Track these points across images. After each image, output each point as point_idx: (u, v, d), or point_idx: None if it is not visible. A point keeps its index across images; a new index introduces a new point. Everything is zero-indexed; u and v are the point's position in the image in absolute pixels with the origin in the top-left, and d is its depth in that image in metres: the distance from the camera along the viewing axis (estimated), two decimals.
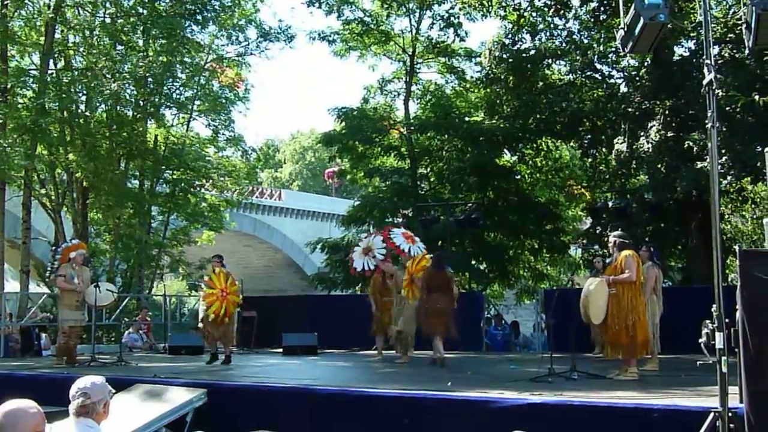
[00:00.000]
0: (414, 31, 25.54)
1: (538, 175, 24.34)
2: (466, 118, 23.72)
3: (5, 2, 19.48)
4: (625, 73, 21.16)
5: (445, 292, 11.26)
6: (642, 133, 18.39)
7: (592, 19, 21.09)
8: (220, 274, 12.40)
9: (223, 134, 24.54)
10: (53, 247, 13.10)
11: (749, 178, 17.55)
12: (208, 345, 12.56)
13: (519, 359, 13.13)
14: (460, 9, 23.78)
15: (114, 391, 4.30)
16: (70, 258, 12.45)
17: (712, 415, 5.15)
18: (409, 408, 7.06)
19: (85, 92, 20.84)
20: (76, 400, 3.95)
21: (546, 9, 21.48)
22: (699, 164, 16.33)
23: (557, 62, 22.34)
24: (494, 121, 22.22)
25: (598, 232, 20.38)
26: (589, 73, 21.46)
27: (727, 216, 21.90)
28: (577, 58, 20.93)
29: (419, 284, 11.66)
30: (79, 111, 21.01)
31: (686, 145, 16.92)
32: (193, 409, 8.01)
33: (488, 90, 22.81)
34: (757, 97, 14.35)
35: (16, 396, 2.91)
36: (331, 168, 56.28)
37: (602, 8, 20.48)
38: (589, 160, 22.15)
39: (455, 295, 11.52)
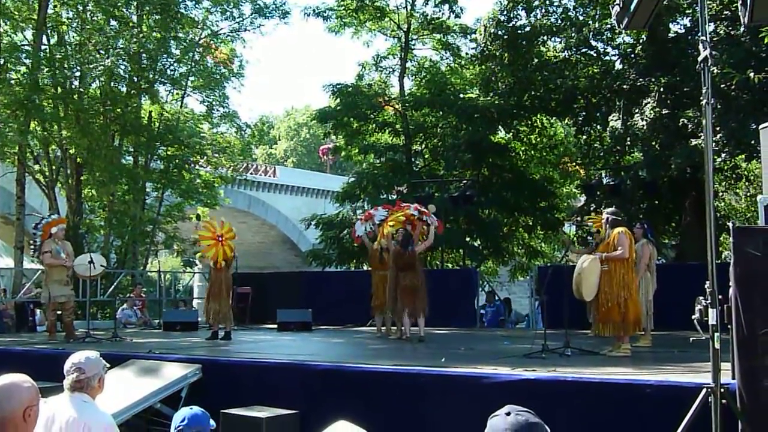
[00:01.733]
0: (409, 8, 25.67)
1: (532, 152, 24.44)
2: (461, 95, 23.68)
3: None
4: (620, 50, 21.06)
5: (413, 270, 11.51)
6: (636, 111, 18.41)
7: None
8: (213, 219, 12.45)
9: (217, 110, 24.62)
10: (34, 224, 12.96)
11: (743, 156, 17.51)
12: (210, 321, 12.41)
13: (512, 336, 13.11)
14: None
15: (108, 365, 4.29)
16: (51, 233, 12.32)
17: (704, 390, 5.15)
18: (404, 384, 7.07)
19: (78, 68, 20.79)
20: (70, 375, 3.93)
21: None
22: (693, 141, 16.37)
23: (552, 39, 22.27)
24: (489, 98, 22.19)
25: (592, 209, 20.42)
26: (584, 50, 21.55)
27: (721, 193, 21.85)
28: (573, 35, 20.88)
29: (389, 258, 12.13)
30: (73, 87, 20.96)
31: (681, 123, 16.93)
32: (188, 385, 8.01)
33: (483, 67, 22.71)
34: (752, 75, 14.26)
35: (11, 371, 2.87)
36: (326, 145, 56.21)
37: None
38: (584, 137, 22.11)
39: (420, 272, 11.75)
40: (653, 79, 17.98)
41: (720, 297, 5.25)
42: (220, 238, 12.11)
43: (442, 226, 13.81)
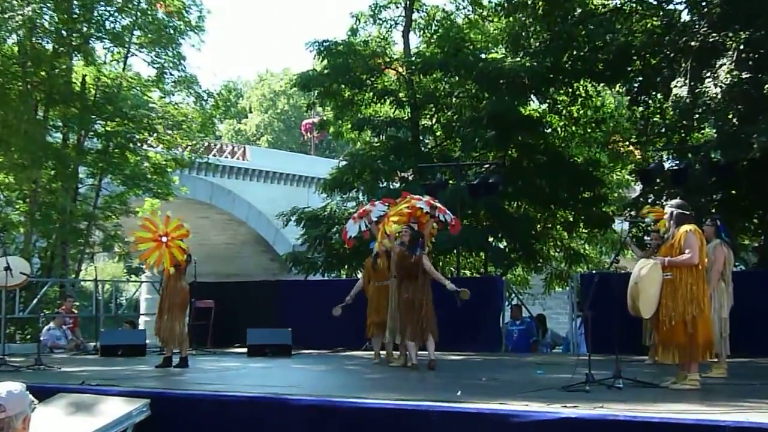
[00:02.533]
0: None
1: (573, 128, 24.39)
2: (483, 55, 23.55)
3: None
4: None
5: (415, 280, 11.43)
6: (708, 74, 18.27)
7: None
8: (155, 214, 12.36)
9: (170, 74, 24.57)
10: None
11: None
12: (162, 344, 12.58)
13: (547, 362, 13.14)
14: None
15: (36, 402, 4.20)
16: None
17: None
18: (409, 423, 7.06)
19: None
20: None
21: None
22: None
23: None
24: (518, 59, 21.88)
25: (650, 200, 20.26)
26: None
27: None
28: None
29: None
30: None
31: (765, 90, 16.83)
32: (133, 425, 7.97)
33: (511, 19, 22.74)
34: None
35: None
36: (310, 119, 56.26)
37: None
38: (640, 109, 22.06)
39: (427, 280, 11.66)
40: (730, 35, 17.75)
41: None
42: (164, 239, 12.06)
43: (459, 224, 13.82)
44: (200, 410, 8.32)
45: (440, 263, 23.60)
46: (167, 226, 12.40)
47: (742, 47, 17.92)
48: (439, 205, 13.25)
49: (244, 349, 15.49)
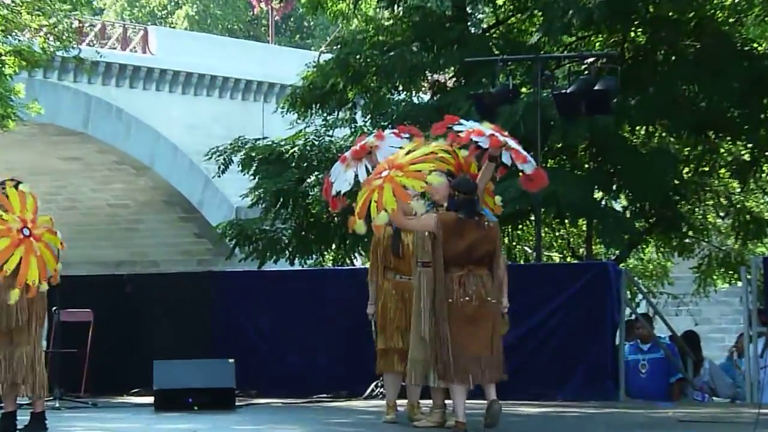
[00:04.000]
0: None
1: None
2: None
3: None
4: None
5: (485, 266, 11.82)
6: None
7: None
8: (12, 194, 12.42)
9: None
10: None
11: None
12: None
13: (703, 420, 13.35)
14: None
15: None
16: None
17: None
18: None
19: None
20: None
21: None
22: None
23: None
24: None
25: None
26: None
27: None
28: None
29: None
30: None
31: None
32: None
33: None
34: None
35: None
36: None
37: None
38: None
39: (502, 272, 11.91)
40: None
41: None
42: (26, 232, 12.39)
43: (544, 176, 13.63)
44: None
45: (505, 239, 23.66)
46: (24, 208, 12.63)
47: None
48: (512, 143, 12.91)
49: (149, 399, 15.80)
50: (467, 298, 11.34)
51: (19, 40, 24.55)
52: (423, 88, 23.08)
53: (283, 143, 23.76)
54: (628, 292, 17.61)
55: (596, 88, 18.55)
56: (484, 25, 24.35)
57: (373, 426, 12.63)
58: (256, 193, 23.52)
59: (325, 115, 23.91)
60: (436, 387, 12.22)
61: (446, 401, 12.25)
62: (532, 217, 20.54)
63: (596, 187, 21.71)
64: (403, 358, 12.97)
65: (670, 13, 22.41)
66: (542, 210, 19.66)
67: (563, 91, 19.12)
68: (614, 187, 21.99)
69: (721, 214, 24.24)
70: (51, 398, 13.69)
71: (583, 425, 12.23)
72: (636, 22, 22.45)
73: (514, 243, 23.10)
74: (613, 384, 15.42)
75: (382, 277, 13.33)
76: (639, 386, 16.59)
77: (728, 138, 22.79)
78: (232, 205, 36.15)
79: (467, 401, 11.72)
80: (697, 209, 23.63)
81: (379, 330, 13.29)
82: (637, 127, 22.52)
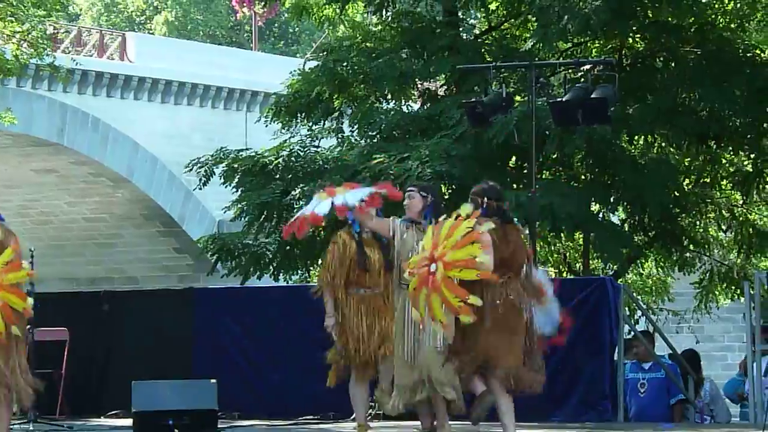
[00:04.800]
0: None
1: None
2: None
3: None
4: None
5: (514, 272, 11.37)
6: None
7: None
8: None
9: None
10: None
11: None
12: None
13: None
14: None
15: None
16: None
17: None
18: None
19: None
20: None
21: None
22: None
23: None
24: None
25: None
26: None
27: None
28: None
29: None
30: None
31: None
32: None
33: None
34: None
35: None
36: None
37: None
38: None
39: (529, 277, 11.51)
40: None
41: None
42: None
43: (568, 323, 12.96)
44: None
45: None
46: None
47: None
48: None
49: (128, 421, 15.59)
50: (499, 302, 10.82)
51: None
52: (413, 97, 23.10)
53: (266, 154, 23.62)
54: (627, 309, 17.44)
55: (593, 96, 18.43)
56: (477, 31, 24.38)
57: None
58: (239, 206, 23.40)
59: (310, 124, 23.92)
60: (423, 410, 11.55)
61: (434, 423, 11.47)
62: (527, 231, 20.09)
63: (593, 199, 21.73)
64: (366, 371, 13.44)
65: (670, 19, 22.62)
66: (537, 223, 19.24)
67: (559, 99, 19.00)
68: (612, 199, 21.93)
69: (723, 227, 24.21)
70: (25, 420, 13.22)
71: None
72: (634, 28, 22.43)
73: None
74: (610, 405, 15.12)
75: (344, 292, 13.44)
76: (639, 406, 16.44)
77: (730, 148, 23.03)
78: (214, 218, 36.07)
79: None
80: (698, 222, 23.67)
81: (340, 343, 13.58)
82: (636, 137, 22.76)
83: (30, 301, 12.10)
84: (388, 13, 23.74)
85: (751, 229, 24.02)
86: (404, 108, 22.92)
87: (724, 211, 24.18)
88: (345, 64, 23.17)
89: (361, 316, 13.49)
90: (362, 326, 13.48)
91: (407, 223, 12.21)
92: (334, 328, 13.50)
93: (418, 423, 12.28)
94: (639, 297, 21.78)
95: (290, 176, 22.51)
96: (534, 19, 22.50)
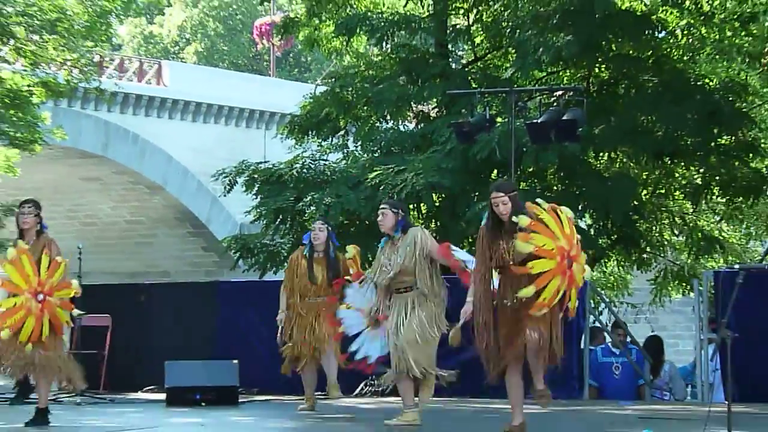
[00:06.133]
0: None
1: (703, 30, 23.92)
2: None
3: None
4: None
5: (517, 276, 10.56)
6: None
7: None
8: (21, 258, 12.14)
9: None
10: None
11: None
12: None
13: (661, 416, 13.35)
14: None
15: None
16: None
17: None
18: None
19: None
20: None
21: None
22: None
23: None
24: None
25: None
26: None
27: None
28: None
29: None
30: None
31: None
32: None
33: None
34: None
35: None
36: (267, 16, 55.97)
37: None
38: None
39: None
40: None
41: None
42: (40, 297, 11.85)
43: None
44: None
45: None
46: (32, 272, 12.20)
47: None
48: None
49: (161, 395, 15.76)
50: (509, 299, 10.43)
51: (45, 73, 24.41)
52: (408, 118, 23.35)
53: (282, 166, 23.81)
54: (592, 302, 17.44)
55: (564, 118, 18.70)
56: (464, 61, 24.68)
57: (361, 420, 12.53)
58: (258, 210, 23.59)
59: (320, 141, 24.45)
60: (406, 386, 12.16)
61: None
62: None
63: (564, 205, 21.25)
64: (312, 361, 14.47)
65: (631, 52, 23.04)
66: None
67: (534, 120, 19.21)
68: (580, 207, 21.82)
69: (676, 232, 24.46)
70: (73, 395, 13.38)
71: (555, 420, 12.12)
72: (600, 59, 22.71)
73: None
74: (578, 385, 15.38)
75: (299, 300, 14.59)
76: (613, 386, 16.65)
77: (683, 163, 23.43)
78: (236, 221, 36.13)
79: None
80: (654, 228, 24.12)
81: (287, 338, 14.58)
82: (601, 154, 23.18)
83: (75, 311, 12.39)
84: (388, 45, 24.08)
85: (699, 234, 24.41)
86: (401, 127, 23.45)
87: (676, 218, 24.72)
88: (350, 89, 23.68)
89: (309, 318, 14.33)
90: (307, 326, 14.31)
91: (386, 239, 12.22)
92: (281, 323, 14.60)
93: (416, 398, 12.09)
94: (602, 291, 21.88)
95: (302, 185, 22.84)
96: (513, 51, 22.91)
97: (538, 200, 10.00)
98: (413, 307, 11.94)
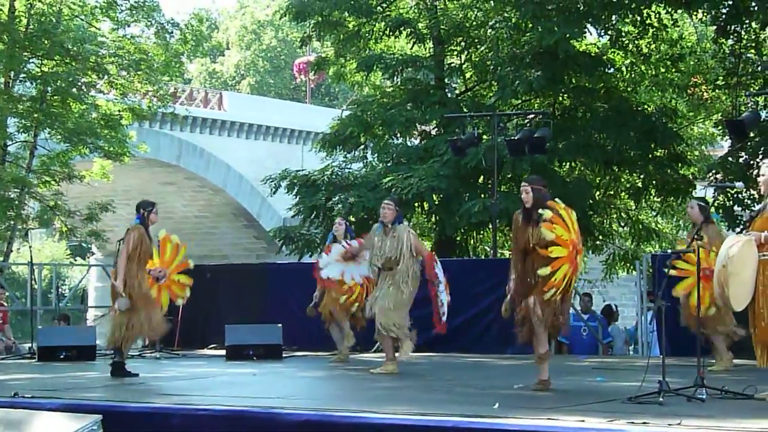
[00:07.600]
0: None
1: (643, 67, 24.47)
2: None
3: None
4: None
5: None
6: None
7: None
8: (166, 240, 12.56)
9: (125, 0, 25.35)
10: None
11: None
12: (114, 343, 12.31)
13: (610, 367, 13.18)
14: None
15: None
16: None
17: None
18: None
19: None
20: None
21: None
22: None
23: None
24: None
25: (742, 160, 20.26)
26: None
27: None
28: None
29: None
30: None
31: None
32: None
33: None
34: None
35: None
36: (304, 57, 55.86)
37: None
38: (729, 42, 22.09)
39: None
40: None
41: None
42: (161, 277, 12.60)
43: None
44: (166, 428, 8.18)
45: (471, 241, 23.94)
46: (163, 255, 12.31)
47: None
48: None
49: (222, 351, 15.67)
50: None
51: (132, 101, 24.50)
52: (414, 135, 23.80)
53: (315, 173, 24.18)
54: None
55: (535, 135, 19.61)
56: (457, 91, 24.77)
57: (369, 370, 12.56)
58: (297, 207, 24.31)
59: (345, 153, 24.80)
60: (386, 343, 12.32)
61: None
62: (491, 226, 20.54)
63: None
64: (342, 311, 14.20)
65: (587, 84, 23.09)
66: (497, 221, 19.49)
67: (512, 137, 19.78)
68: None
69: (622, 224, 24.51)
70: (154, 351, 13.84)
71: (528, 370, 12.01)
72: (563, 90, 22.82)
73: (477, 244, 23.23)
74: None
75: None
76: (581, 345, 16.67)
77: (627, 171, 23.29)
78: (280, 216, 36.10)
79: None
80: (605, 221, 24.23)
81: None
82: (564, 163, 23.08)
83: (186, 279, 14.18)
84: (398, 79, 24.49)
85: (640, 226, 25.39)
86: (408, 143, 23.97)
87: (622, 213, 25.51)
88: (369, 113, 24.51)
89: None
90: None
91: (381, 226, 12.32)
92: (316, 298, 14.57)
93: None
94: None
95: (331, 188, 23.51)
96: (496, 83, 23.12)
97: (557, 200, 9.90)
98: (391, 283, 12.20)
